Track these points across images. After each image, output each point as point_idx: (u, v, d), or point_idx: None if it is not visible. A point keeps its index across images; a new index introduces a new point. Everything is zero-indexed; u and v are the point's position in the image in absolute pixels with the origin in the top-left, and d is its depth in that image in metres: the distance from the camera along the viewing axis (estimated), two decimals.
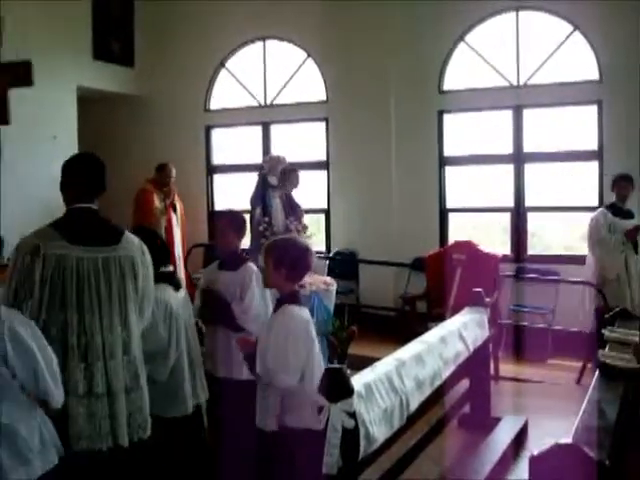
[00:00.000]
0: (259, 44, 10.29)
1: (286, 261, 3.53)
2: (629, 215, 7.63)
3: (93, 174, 3.37)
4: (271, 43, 10.21)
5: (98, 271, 3.21)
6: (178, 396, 3.95)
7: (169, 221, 8.91)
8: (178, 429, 3.97)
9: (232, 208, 5.14)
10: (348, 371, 3.16)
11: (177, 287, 4.08)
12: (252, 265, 4.52)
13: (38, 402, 2.90)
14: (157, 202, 8.86)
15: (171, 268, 4.22)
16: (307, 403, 3.31)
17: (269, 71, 10.29)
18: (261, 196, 8.10)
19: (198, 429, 4.17)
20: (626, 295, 7.24)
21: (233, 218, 4.72)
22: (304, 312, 3.53)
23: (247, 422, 3.59)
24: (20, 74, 3.82)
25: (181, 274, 8.53)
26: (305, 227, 7.56)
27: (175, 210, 9.07)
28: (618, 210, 7.59)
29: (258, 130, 10.44)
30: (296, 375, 3.31)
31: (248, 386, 4.06)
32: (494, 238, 9.42)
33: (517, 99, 8.74)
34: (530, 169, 8.83)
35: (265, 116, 10.32)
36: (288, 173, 8.12)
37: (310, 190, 9.33)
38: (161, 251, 4.05)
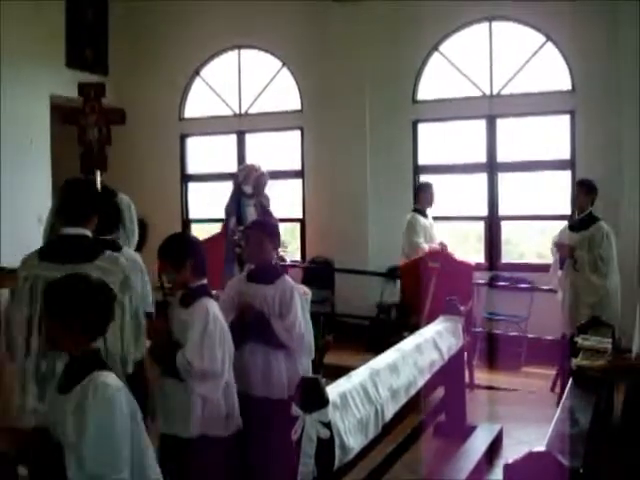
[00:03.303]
0: (234, 53, 10.29)
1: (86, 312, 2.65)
2: (583, 226, 6.71)
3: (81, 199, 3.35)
4: (246, 52, 10.21)
5: None
6: (230, 415, 3.70)
7: None
8: (231, 448, 3.71)
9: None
10: (323, 381, 3.13)
11: (214, 299, 3.80)
12: (289, 278, 4.23)
13: None
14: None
15: (205, 281, 3.77)
16: None
17: (244, 80, 10.28)
18: (236, 205, 8.08)
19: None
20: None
21: (268, 227, 4.38)
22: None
23: (287, 442, 3.36)
24: (118, 116, 5.51)
25: None
26: None
27: None
28: (572, 222, 6.92)
29: (233, 139, 10.42)
30: None
31: (289, 406, 3.87)
32: (468, 246, 9.47)
33: (490, 109, 8.81)
34: (504, 178, 8.89)
35: (240, 125, 10.31)
36: (421, 189, 8.05)
37: (285, 199, 9.31)
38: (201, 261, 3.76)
